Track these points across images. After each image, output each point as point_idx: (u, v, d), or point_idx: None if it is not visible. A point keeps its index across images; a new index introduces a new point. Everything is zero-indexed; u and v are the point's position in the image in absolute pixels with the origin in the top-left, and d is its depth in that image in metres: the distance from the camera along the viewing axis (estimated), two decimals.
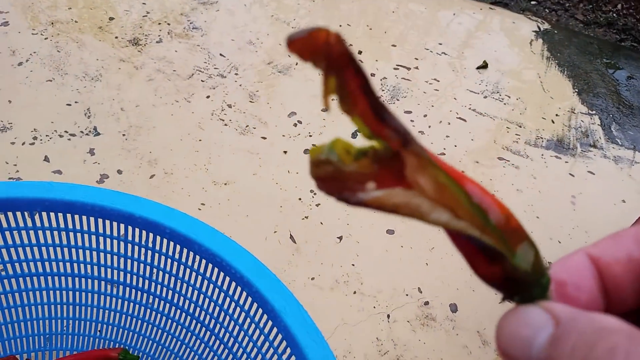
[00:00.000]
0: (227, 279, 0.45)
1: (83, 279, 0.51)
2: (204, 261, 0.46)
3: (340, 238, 0.75)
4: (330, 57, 0.13)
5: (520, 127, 1.06)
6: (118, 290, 0.51)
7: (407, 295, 0.70)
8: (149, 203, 0.46)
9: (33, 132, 0.79)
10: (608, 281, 0.15)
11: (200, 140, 0.85)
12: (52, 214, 0.46)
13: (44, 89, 0.87)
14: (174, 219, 0.45)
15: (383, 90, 1.05)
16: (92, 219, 0.46)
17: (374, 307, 0.68)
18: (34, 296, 0.51)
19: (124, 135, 0.82)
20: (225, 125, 0.89)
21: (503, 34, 1.38)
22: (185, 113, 0.89)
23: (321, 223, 0.77)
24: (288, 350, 0.42)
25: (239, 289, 0.45)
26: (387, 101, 1.03)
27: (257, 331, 0.45)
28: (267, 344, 0.44)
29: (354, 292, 0.69)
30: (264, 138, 0.88)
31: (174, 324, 0.51)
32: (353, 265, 0.72)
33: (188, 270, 0.47)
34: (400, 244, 0.76)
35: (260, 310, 0.43)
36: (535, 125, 1.08)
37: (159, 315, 0.51)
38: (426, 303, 0.70)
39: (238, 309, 0.46)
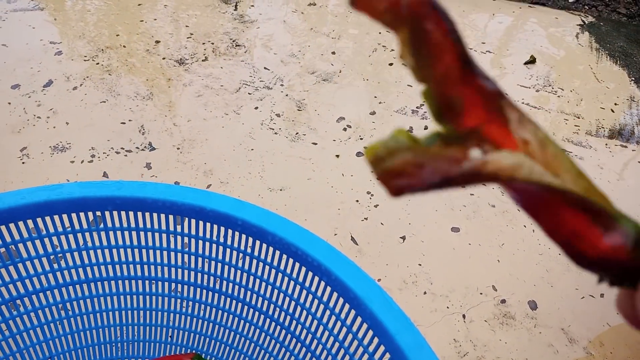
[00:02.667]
0: (303, 269, 0.43)
1: (153, 282, 0.50)
2: (277, 252, 0.44)
3: (404, 238, 0.72)
4: (408, 5, 0.11)
5: (579, 118, 1.01)
6: (188, 292, 0.50)
7: (481, 293, 0.66)
8: (219, 196, 0.45)
9: (91, 150, 0.81)
10: None
11: (252, 149, 0.84)
12: (122, 214, 0.45)
13: (98, 109, 0.89)
14: (245, 210, 0.44)
15: None
16: (162, 217, 0.45)
17: (448, 308, 0.64)
18: (105, 302, 0.50)
19: (178, 148, 0.83)
20: (276, 133, 0.88)
21: (547, 29, 1.34)
22: (235, 124, 0.89)
23: (382, 224, 0.74)
24: (375, 340, 0.39)
25: (316, 278, 0.42)
26: None
27: (339, 323, 0.42)
28: (350, 336, 0.41)
29: (424, 293, 0.66)
30: (315, 144, 0.87)
31: (247, 324, 0.49)
32: (420, 265, 0.69)
33: (261, 265, 0.45)
34: (468, 242, 0.73)
35: (341, 300, 0.41)
36: (595, 115, 1.03)
37: (230, 316, 0.50)
38: (503, 301, 0.66)
39: (316, 301, 0.43)
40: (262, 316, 0.48)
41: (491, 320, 0.63)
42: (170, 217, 0.45)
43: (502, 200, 0.79)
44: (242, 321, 0.49)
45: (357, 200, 0.77)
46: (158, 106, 0.91)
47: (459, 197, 0.79)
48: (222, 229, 0.45)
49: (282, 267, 0.44)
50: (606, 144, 0.95)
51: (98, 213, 0.44)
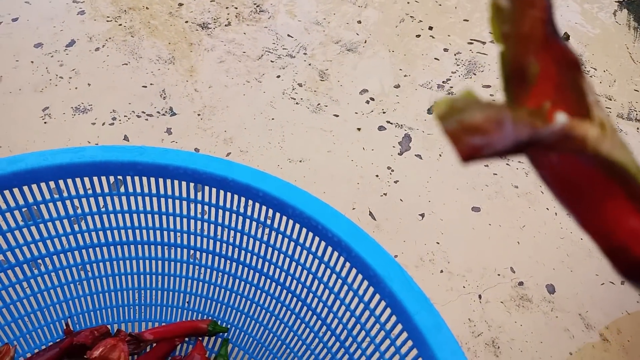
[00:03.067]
0: (323, 243, 0.42)
1: (172, 248, 0.50)
2: (297, 225, 0.43)
3: (423, 215, 0.71)
4: None
5: (611, 99, 0.98)
6: (206, 260, 0.50)
7: (498, 275, 0.66)
8: (240, 167, 0.44)
9: (112, 112, 0.80)
10: None
11: (273, 118, 0.83)
12: (144, 179, 0.45)
13: (120, 72, 0.88)
14: (266, 182, 0.43)
15: (458, 65, 0.99)
16: (184, 184, 0.45)
17: (464, 287, 0.64)
18: (124, 265, 0.51)
19: (199, 115, 0.82)
20: (297, 103, 0.87)
21: (582, 4, 1.28)
22: (256, 93, 0.88)
23: (401, 200, 0.73)
24: (393, 318, 0.39)
25: (335, 253, 0.42)
26: (463, 76, 0.97)
27: (356, 299, 0.42)
28: (367, 312, 0.41)
29: (441, 271, 0.65)
30: (337, 116, 0.86)
31: (263, 294, 0.49)
32: (438, 243, 0.68)
33: (280, 236, 0.45)
34: (488, 222, 0.71)
35: (360, 276, 0.41)
36: (627, 98, 0.99)
37: (247, 286, 0.50)
38: (520, 283, 0.65)
39: (334, 276, 0.43)
40: (279, 287, 0.48)
41: (507, 302, 0.63)
42: (191, 185, 0.45)
43: (525, 181, 0.78)
44: (258, 291, 0.49)
45: (377, 175, 0.76)
46: (180, 71, 0.90)
47: (481, 175, 0.78)
48: (243, 199, 0.44)
49: (301, 240, 0.44)
50: (637, 128, 0.92)
51: (119, 177, 0.44)
